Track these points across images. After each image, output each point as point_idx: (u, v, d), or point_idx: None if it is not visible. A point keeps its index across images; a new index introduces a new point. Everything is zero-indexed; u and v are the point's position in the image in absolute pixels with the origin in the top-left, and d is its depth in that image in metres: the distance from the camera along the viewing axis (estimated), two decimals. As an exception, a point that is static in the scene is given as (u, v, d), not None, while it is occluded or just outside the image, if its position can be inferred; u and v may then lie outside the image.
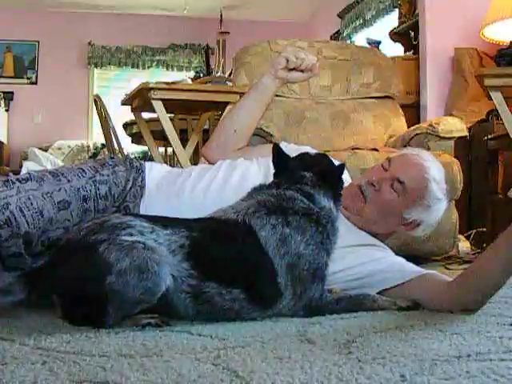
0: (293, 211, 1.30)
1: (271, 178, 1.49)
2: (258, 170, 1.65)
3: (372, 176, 1.62)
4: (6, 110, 7.54)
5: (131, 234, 1.18)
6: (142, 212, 1.54)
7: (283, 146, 1.72)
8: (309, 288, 1.29)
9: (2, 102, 7.46)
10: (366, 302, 1.38)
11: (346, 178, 1.83)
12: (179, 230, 1.23)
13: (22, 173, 1.70)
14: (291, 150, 1.73)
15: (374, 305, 1.38)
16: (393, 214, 1.61)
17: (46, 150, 7.27)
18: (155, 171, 1.65)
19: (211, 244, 1.25)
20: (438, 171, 1.65)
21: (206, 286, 1.20)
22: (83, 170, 1.53)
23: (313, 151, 1.66)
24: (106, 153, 4.92)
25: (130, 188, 1.56)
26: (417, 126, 3.14)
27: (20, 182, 1.41)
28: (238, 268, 1.25)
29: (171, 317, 1.23)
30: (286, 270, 1.26)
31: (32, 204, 1.37)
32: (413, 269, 1.50)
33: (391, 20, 5.24)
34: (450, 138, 2.85)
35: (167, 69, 8.10)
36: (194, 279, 1.19)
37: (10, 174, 1.49)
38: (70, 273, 1.16)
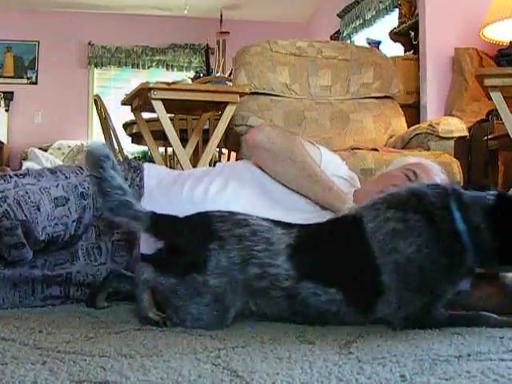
0: (414, 210, 1.17)
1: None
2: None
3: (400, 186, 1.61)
4: (6, 110, 7.55)
5: (240, 237, 1.17)
6: None
7: (325, 156, 1.70)
8: (418, 298, 1.15)
9: (2, 101, 7.46)
10: (481, 320, 1.20)
11: (354, 177, 1.84)
12: (291, 231, 1.21)
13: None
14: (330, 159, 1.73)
15: (489, 324, 1.19)
16: None
17: (45, 150, 7.27)
18: (154, 172, 1.65)
19: (314, 242, 1.21)
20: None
21: (302, 287, 1.16)
22: (81, 168, 1.53)
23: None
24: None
25: (129, 186, 1.56)
26: (417, 125, 3.15)
27: (18, 176, 1.41)
28: (338, 266, 1.18)
29: (267, 317, 1.21)
30: (392, 269, 1.14)
31: (30, 198, 1.36)
32: None
33: (391, 20, 5.24)
34: (449, 138, 2.86)
35: (167, 69, 8.11)
36: (291, 280, 1.16)
37: (8, 169, 1.48)
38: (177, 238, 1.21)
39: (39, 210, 1.36)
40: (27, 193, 1.36)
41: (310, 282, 1.16)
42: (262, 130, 1.71)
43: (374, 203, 1.21)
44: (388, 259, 1.14)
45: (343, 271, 1.17)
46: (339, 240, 1.21)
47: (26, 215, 1.32)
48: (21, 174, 1.43)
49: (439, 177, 1.68)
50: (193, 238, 1.20)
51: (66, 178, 1.47)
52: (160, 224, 1.23)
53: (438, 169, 1.72)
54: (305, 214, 1.56)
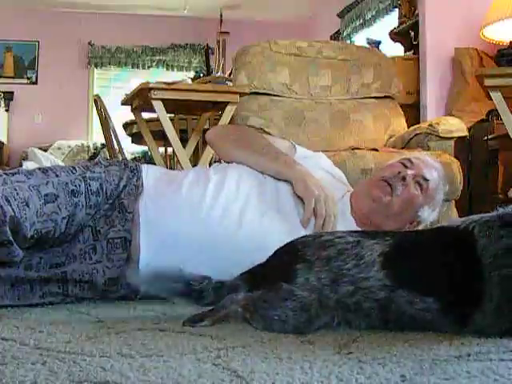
0: None
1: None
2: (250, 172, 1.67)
3: (398, 170, 1.63)
4: (6, 110, 7.55)
5: (328, 260, 1.16)
6: (141, 208, 1.53)
7: (299, 149, 1.75)
8: None
9: (2, 101, 7.46)
10: None
11: (345, 181, 1.85)
12: (385, 239, 1.19)
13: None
14: (304, 155, 1.76)
15: None
16: (411, 210, 1.65)
17: (45, 150, 7.27)
18: (152, 171, 1.65)
19: (412, 249, 1.19)
20: (443, 176, 1.74)
21: (397, 295, 1.13)
22: (74, 168, 1.53)
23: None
24: (106, 153, 4.92)
25: (125, 186, 1.55)
26: (417, 125, 3.15)
27: (7, 174, 1.40)
28: (438, 274, 1.15)
29: (353, 327, 1.18)
30: (498, 282, 1.10)
31: (18, 194, 1.34)
32: None
33: (391, 20, 5.25)
34: (450, 138, 2.86)
35: (167, 69, 8.12)
36: (385, 290, 1.14)
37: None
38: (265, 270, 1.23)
39: (28, 205, 1.35)
40: (16, 189, 1.35)
41: (406, 291, 1.13)
42: (213, 128, 1.79)
43: (486, 220, 1.18)
44: (496, 273, 1.11)
45: (443, 280, 1.14)
46: (443, 249, 1.18)
47: (14, 210, 1.31)
48: (10, 173, 1.42)
49: (437, 171, 1.71)
50: (280, 263, 1.22)
51: (57, 176, 1.47)
52: (251, 277, 1.24)
53: (435, 165, 1.74)
54: (300, 216, 1.56)
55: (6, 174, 1.41)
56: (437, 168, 1.72)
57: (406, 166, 1.65)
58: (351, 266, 1.15)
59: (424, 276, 1.16)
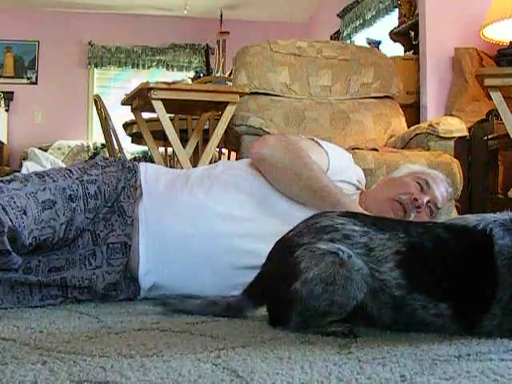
0: None
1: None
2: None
3: (414, 195, 1.63)
4: (6, 110, 7.55)
5: (331, 240, 1.14)
6: (140, 213, 1.53)
7: (332, 165, 1.70)
8: None
9: (2, 101, 7.46)
10: None
11: (360, 175, 1.84)
12: (397, 235, 1.16)
13: (21, 172, 1.68)
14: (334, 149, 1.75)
15: None
16: None
17: (45, 150, 7.27)
18: (151, 171, 1.64)
19: (430, 251, 1.16)
20: (451, 192, 1.79)
21: (412, 298, 1.12)
22: (71, 171, 1.51)
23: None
24: (106, 153, 4.92)
25: (123, 187, 1.54)
26: (417, 125, 3.15)
27: (3, 182, 1.39)
28: (454, 280, 1.13)
29: (361, 323, 1.17)
30: (510, 283, 1.10)
31: (15, 203, 1.33)
32: None
33: (391, 20, 5.24)
34: (450, 138, 2.86)
35: (167, 69, 8.11)
36: (400, 290, 1.12)
37: None
38: (269, 272, 1.22)
39: (26, 214, 1.34)
40: (13, 198, 1.34)
41: (421, 294, 1.12)
42: (266, 142, 1.67)
43: (502, 223, 1.16)
44: (509, 274, 1.10)
45: (457, 285, 1.13)
46: (459, 252, 1.16)
47: (11, 220, 1.30)
48: (7, 180, 1.41)
49: (446, 189, 1.73)
50: (282, 263, 1.19)
51: (54, 181, 1.45)
52: (254, 288, 1.25)
53: (445, 180, 1.75)
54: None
55: (1, 181, 1.39)
56: (447, 188, 1.74)
57: (422, 188, 1.65)
58: (361, 253, 1.13)
59: (439, 281, 1.13)
